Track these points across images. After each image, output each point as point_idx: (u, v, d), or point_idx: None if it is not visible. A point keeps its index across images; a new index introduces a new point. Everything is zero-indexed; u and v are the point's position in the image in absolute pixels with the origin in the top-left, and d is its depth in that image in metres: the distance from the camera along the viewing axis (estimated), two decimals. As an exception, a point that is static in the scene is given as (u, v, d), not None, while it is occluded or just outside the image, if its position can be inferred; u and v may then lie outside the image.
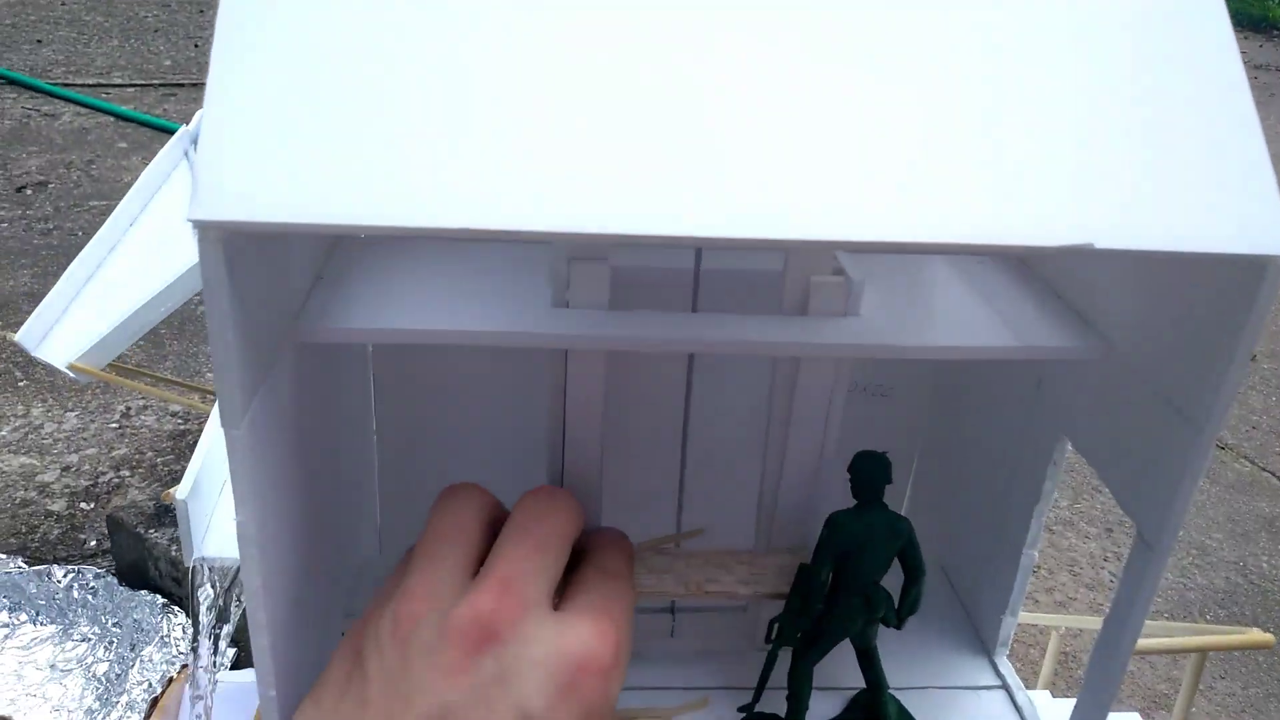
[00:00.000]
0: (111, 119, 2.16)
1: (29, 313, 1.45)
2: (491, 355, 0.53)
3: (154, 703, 0.59)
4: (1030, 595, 1.12)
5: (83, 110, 2.19)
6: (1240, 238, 0.31)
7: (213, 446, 0.57)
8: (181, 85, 2.45)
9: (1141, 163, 0.32)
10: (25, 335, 0.81)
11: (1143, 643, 0.48)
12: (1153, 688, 0.97)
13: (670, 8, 0.31)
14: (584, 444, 0.43)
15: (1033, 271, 0.46)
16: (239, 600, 0.57)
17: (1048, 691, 0.50)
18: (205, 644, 0.51)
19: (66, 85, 2.32)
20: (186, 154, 0.94)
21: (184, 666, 0.60)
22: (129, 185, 1.91)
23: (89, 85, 2.33)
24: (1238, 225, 0.31)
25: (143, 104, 2.24)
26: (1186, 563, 1.16)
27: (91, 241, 0.87)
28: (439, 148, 0.28)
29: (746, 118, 0.30)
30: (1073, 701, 0.44)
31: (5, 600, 0.95)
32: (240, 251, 0.29)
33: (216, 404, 0.31)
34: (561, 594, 0.36)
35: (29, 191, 1.86)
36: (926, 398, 0.58)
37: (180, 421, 1.25)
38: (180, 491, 0.51)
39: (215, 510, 0.55)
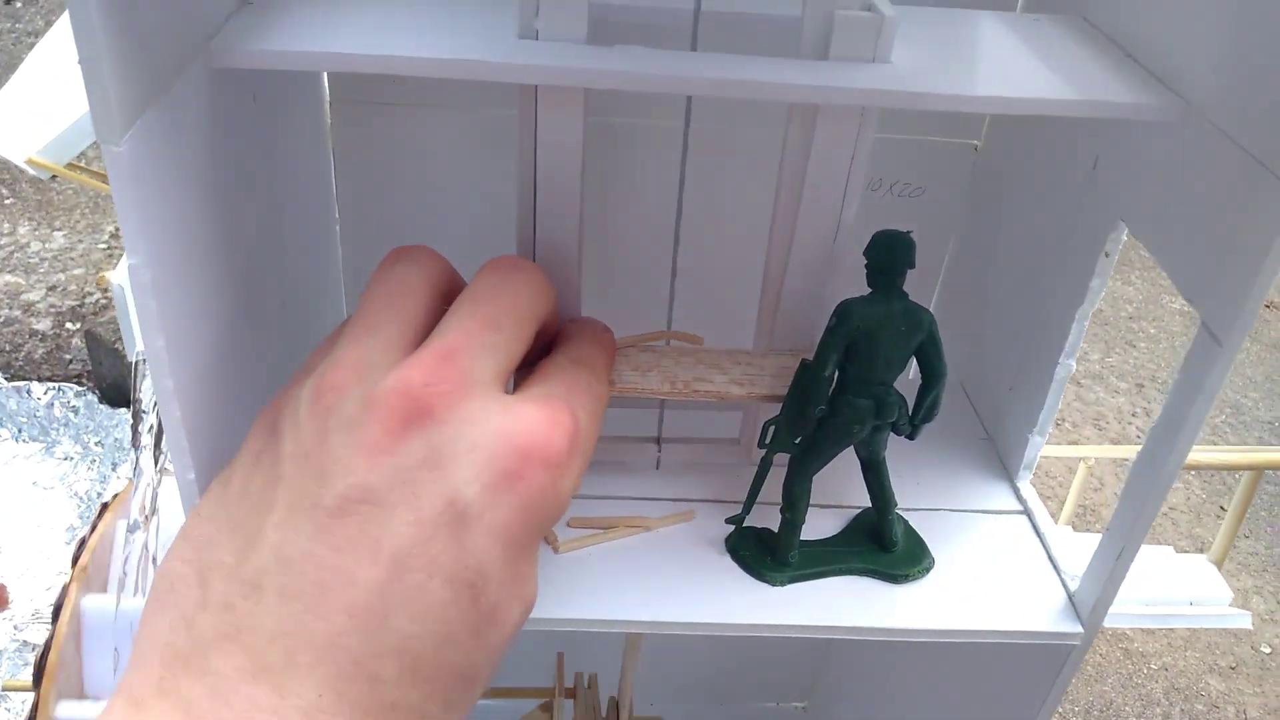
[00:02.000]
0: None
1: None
2: (460, 111, 0.47)
3: (81, 543, 0.55)
4: (1050, 444, 1.07)
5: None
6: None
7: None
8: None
9: None
10: (-18, 127, 0.75)
11: (1194, 457, 0.42)
12: (1189, 532, 0.93)
13: None
14: (559, 212, 0.37)
15: (1099, 30, 0.39)
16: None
17: (1069, 527, 0.45)
18: (146, 455, 0.47)
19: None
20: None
21: (115, 495, 0.56)
22: None
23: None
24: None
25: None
26: (1219, 421, 1.11)
27: (43, 39, 0.80)
28: None
29: None
30: (1098, 536, 0.39)
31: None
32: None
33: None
34: (521, 383, 0.31)
35: (19, 4, 1.78)
36: (961, 195, 0.51)
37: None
38: (115, 275, 0.46)
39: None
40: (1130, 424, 1.13)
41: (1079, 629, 0.39)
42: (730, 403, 0.40)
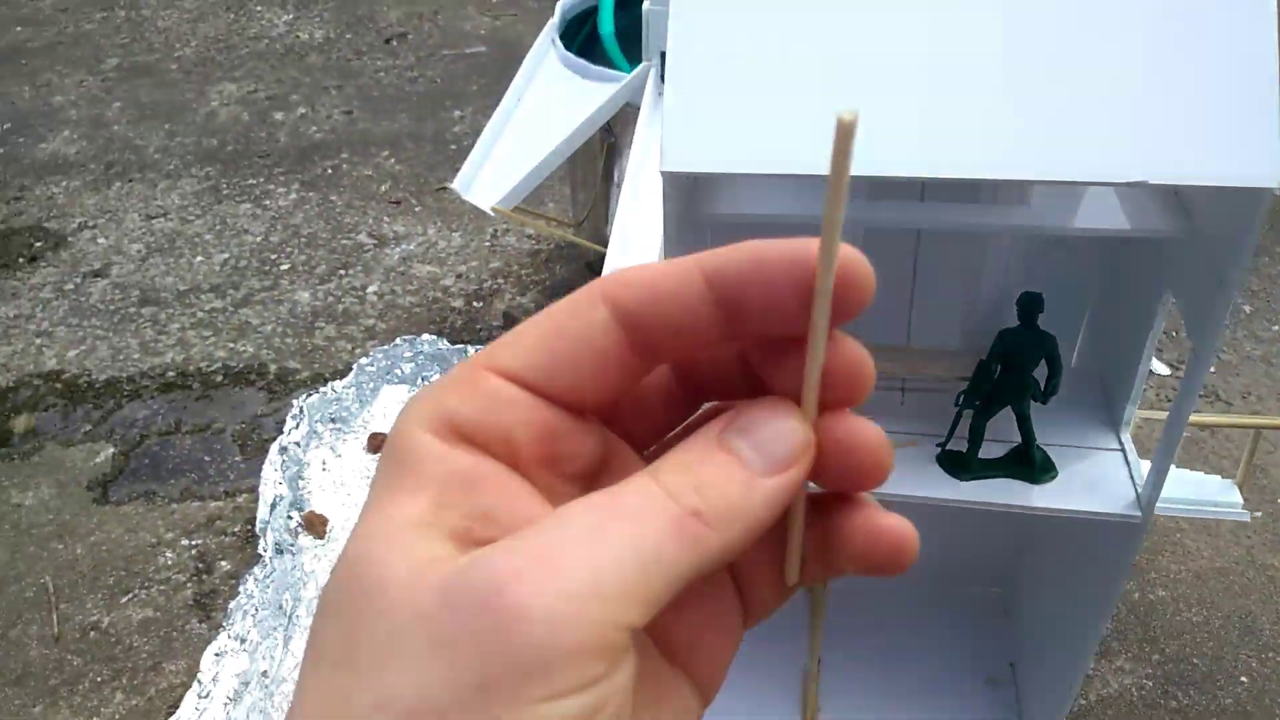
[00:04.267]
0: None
1: (414, 149, 1.87)
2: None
3: None
4: (1228, 406, 1.30)
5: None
6: (1241, 175, 0.54)
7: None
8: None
9: (1180, 122, 0.54)
10: (458, 183, 1.17)
11: (1199, 418, 0.71)
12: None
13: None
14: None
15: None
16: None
17: (1144, 462, 0.73)
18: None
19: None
20: (553, 40, 1.25)
21: None
22: (470, 33, 2.28)
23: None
24: (1239, 164, 0.54)
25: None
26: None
27: (495, 113, 1.21)
28: (816, 129, 0.56)
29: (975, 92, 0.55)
30: (1176, 470, 0.69)
31: (437, 368, 1.37)
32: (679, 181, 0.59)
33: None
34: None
35: (394, 43, 2.27)
36: (1105, 259, 0.81)
37: (534, 242, 1.63)
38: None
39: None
40: (1314, 398, 1.33)
41: (1139, 513, 0.69)
42: (940, 382, 0.73)
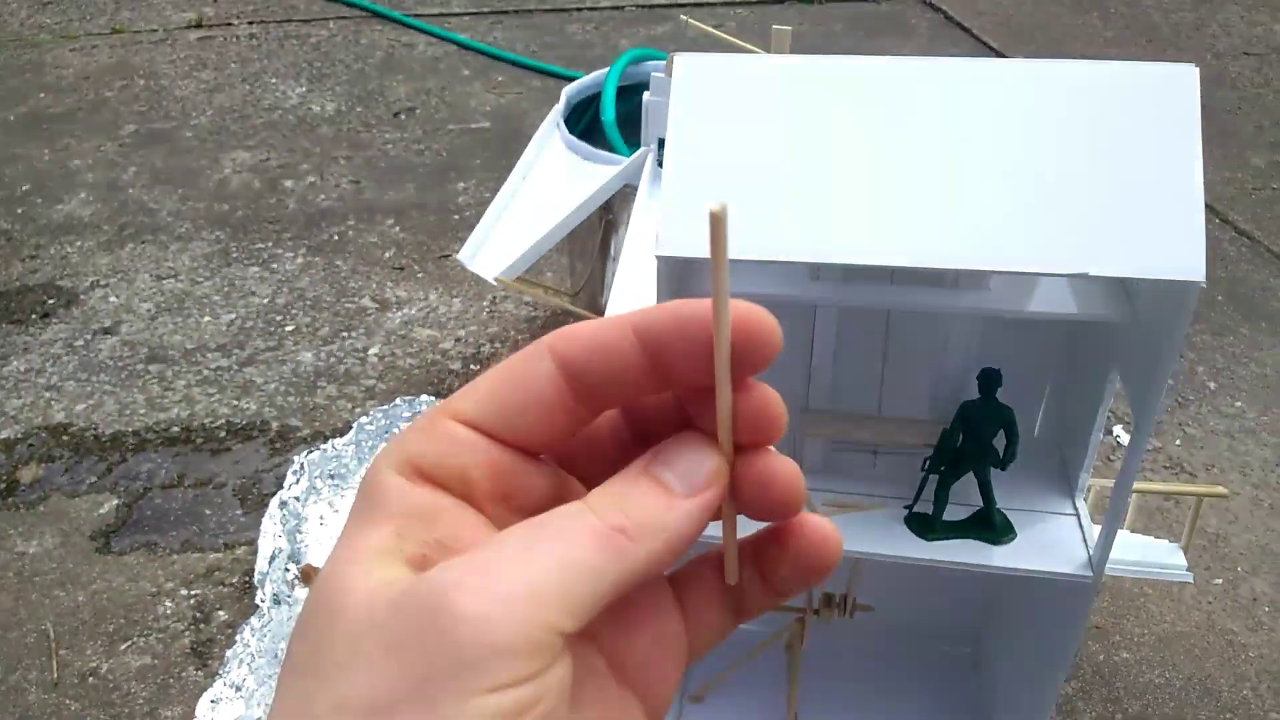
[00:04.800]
0: (455, 47, 2.64)
1: (419, 218, 1.95)
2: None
3: None
4: (1192, 477, 1.35)
5: (432, 40, 2.68)
6: (1172, 269, 0.60)
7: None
8: (505, 12, 2.88)
9: (1119, 222, 0.61)
10: (463, 255, 1.24)
11: (1140, 485, 0.77)
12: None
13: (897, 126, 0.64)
14: (821, 373, 0.77)
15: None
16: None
17: (1098, 527, 0.79)
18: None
19: (417, 16, 2.82)
20: (558, 124, 1.33)
21: None
22: (475, 109, 2.39)
23: (433, 15, 2.82)
24: (1171, 259, 0.60)
25: (477, 32, 2.71)
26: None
27: (501, 189, 1.28)
28: (815, 222, 0.62)
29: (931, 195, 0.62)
30: (1128, 535, 0.75)
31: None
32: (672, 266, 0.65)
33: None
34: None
35: (402, 116, 2.36)
36: (1061, 339, 0.87)
37: (531, 309, 1.70)
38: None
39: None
40: (1273, 473, 1.38)
41: (1090, 573, 0.74)
42: (908, 449, 0.79)
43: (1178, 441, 1.43)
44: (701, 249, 0.67)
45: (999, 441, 0.76)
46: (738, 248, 0.63)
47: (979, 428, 0.74)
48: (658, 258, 0.63)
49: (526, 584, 0.21)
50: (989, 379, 0.74)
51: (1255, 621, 1.17)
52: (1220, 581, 1.22)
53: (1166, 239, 0.61)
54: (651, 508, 0.23)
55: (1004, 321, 0.83)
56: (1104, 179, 0.62)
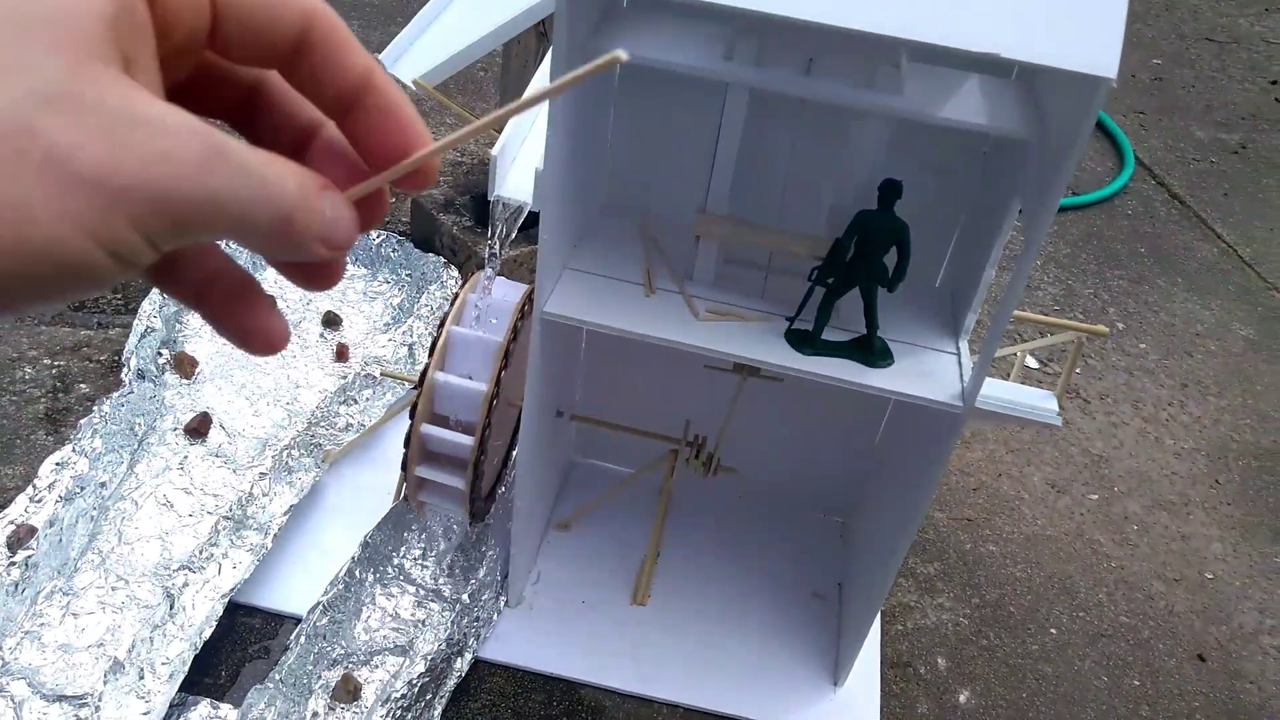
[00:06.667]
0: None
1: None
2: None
3: (459, 291, 0.96)
4: (1090, 414, 1.37)
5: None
6: (1085, 62, 0.58)
7: (516, 130, 0.91)
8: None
9: (1041, 14, 0.59)
10: (386, 56, 1.18)
11: (1020, 314, 0.76)
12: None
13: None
14: (722, 177, 0.74)
15: (1028, 91, 0.73)
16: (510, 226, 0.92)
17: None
18: (496, 246, 0.87)
19: None
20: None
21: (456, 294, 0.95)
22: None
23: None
24: (1086, 54, 0.58)
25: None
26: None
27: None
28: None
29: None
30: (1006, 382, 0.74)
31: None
32: None
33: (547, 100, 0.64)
34: None
35: None
36: (976, 177, 0.85)
37: (456, 155, 1.64)
38: (495, 150, 0.86)
39: (511, 166, 0.90)
40: (1165, 410, 1.40)
41: (961, 403, 0.73)
42: (800, 259, 0.77)
43: (1079, 370, 1.44)
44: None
45: (890, 260, 0.74)
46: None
47: (872, 238, 0.72)
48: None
49: None
50: (890, 189, 0.72)
51: (1123, 537, 1.19)
52: (1096, 497, 1.23)
53: (1084, 35, 0.59)
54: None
55: (913, 150, 0.81)
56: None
